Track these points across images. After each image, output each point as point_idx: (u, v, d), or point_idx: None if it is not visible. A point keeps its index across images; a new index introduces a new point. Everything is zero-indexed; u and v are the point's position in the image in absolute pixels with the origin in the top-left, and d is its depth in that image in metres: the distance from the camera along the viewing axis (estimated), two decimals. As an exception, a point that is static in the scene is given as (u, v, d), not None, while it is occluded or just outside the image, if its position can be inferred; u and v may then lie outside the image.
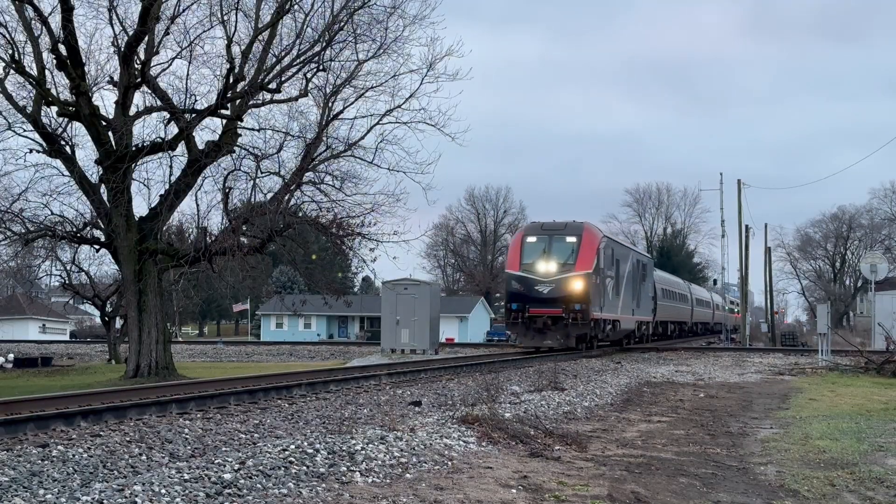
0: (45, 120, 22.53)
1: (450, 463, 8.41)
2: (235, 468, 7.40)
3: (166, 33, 22.42)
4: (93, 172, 22.97)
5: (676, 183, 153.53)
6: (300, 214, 24.34)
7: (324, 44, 25.37)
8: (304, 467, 7.66)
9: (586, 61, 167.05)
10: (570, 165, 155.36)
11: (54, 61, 21.79)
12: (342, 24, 25.46)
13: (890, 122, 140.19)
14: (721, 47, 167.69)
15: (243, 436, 10.30)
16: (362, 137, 24.53)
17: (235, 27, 24.35)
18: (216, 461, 7.72)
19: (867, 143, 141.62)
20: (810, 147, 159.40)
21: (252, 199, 23.38)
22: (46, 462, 8.12)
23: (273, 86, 24.12)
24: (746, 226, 53.73)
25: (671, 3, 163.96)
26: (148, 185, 24.31)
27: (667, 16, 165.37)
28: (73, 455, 8.46)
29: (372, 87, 28.59)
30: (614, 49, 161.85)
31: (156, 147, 22.30)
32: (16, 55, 21.81)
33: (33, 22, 21.96)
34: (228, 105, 22.85)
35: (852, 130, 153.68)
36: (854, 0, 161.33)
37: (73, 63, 21.54)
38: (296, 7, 25.11)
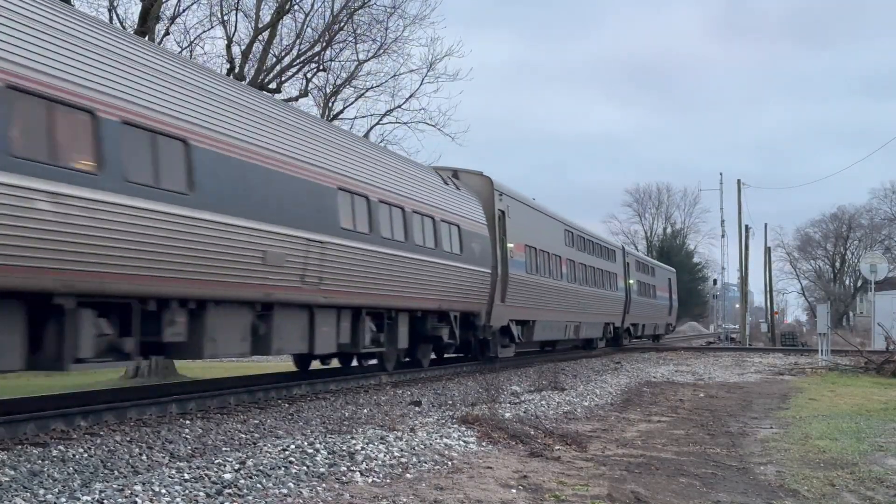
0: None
1: (450, 463, 8.42)
2: (235, 468, 7.41)
3: (166, 33, 22.43)
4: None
5: (676, 183, 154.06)
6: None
7: (324, 44, 25.42)
8: (304, 467, 7.66)
9: (563, 64, 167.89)
10: (566, 166, 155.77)
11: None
12: (342, 24, 25.51)
13: (877, 122, 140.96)
14: (701, 48, 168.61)
15: (243, 435, 10.30)
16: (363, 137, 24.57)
17: (235, 27, 24.43)
18: (216, 461, 7.72)
19: (858, 143, 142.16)
20: (803, 147, 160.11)
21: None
22: (46, 462, 8.11)
23: (273, 86, 24.12)
24: (746, 226, 53.80)
25: (644, 6, 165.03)
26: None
27: (643, 18, 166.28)
28: (73, 455, 8.47)
29: (372, 88, 28.72)
30: (593, 51, 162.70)
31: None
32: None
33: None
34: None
35: (841, 131, 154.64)
36: (825, 4, 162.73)
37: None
38: (296, 7, 25.16)
